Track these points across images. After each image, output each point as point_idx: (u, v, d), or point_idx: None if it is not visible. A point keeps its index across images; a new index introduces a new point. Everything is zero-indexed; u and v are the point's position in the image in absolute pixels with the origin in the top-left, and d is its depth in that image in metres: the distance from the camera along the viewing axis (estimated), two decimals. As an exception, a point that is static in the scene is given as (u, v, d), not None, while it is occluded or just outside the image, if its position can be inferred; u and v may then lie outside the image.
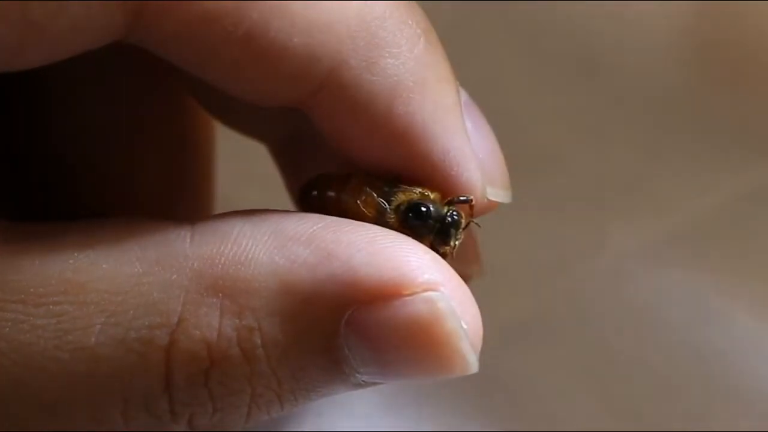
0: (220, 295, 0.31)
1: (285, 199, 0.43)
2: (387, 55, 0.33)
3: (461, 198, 0.34)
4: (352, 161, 0.35)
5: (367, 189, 0.34)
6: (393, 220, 0.34)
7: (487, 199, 0.36)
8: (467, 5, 0.51)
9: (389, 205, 0.34)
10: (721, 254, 0.52)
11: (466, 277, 0.34)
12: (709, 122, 0.53)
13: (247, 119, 0.41)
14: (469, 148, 0.35)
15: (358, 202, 0.34)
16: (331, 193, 0.35)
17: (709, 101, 0.53)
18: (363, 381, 0.32)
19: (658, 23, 0.52)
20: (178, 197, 0.42)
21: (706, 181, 0.53)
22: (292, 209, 0.41)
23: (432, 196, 0.34)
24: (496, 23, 0.53)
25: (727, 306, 0.50)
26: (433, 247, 0.34)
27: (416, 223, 0.34)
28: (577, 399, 0.50)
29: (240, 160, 0.46)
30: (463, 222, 0.34)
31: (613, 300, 0.51)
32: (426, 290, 0.31)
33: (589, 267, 0.51)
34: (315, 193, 0.36)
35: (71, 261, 0.32)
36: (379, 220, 0.34)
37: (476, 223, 0.35)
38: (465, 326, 0.32)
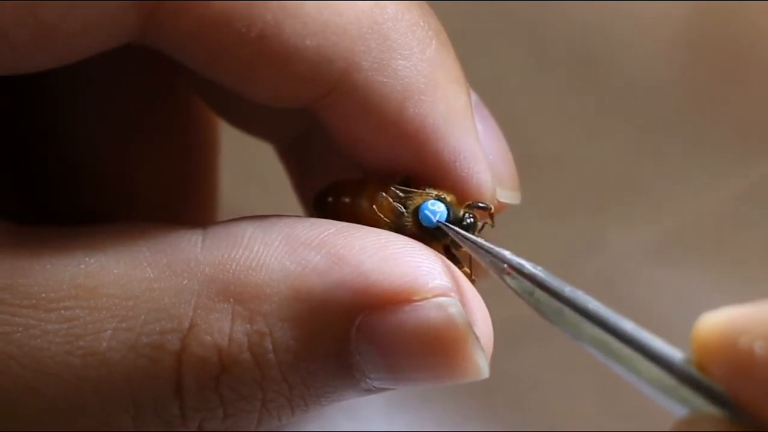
0: (232, 300, 0.31)
1: (288, 201, 0.42)
2: (399, 56, 0.33)
3: (480, 205, 0.34)
4: (361, 162, 0.35)
5: (383, 194, 0.34)
6: (410, 223, 0.34)
7: (498, 201, 0.36)
8: (468, 5, 0.51)
9: (406, 208, 0.34)
10: (720, 253, 0.52)
11: (471, 279, 0.34)
12: (709, 122, 0.53)
13: (255, 119, 0.41)
14: (479, 150, 0.35)
15: (375, 206, 0.34)
16: (347, 199, 0.35)
17: (708, 102, 0.53)
18: (374, 386, 0.32)
19: (658, 24, 0.52)
20: (182, 197, 0.42)
21: (705, 181, 0.53)
22: (297, 211, 0.41)
23: (448, 198, 0.34)
24: (497, 23, 0.53)
25: (726, 305, 0.50)
26: (448, 250, 0.34)
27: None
28: (577, 399, 0.50)
29: (243, 161, 0.46)
30: (480, 224, 0.34)
31: (613, 300, 0.51)
32: (437, 296, 0.31)
33: (589, 267, 0.51)
34: (330, 199, 0.36)
35: (82, 266, 0.31)
36: (396, 224, 0.34)
37: (491, 225, 0.35)
38: (476, 331, 0.32)
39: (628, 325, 0.29)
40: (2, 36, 0.30)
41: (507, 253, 0.32)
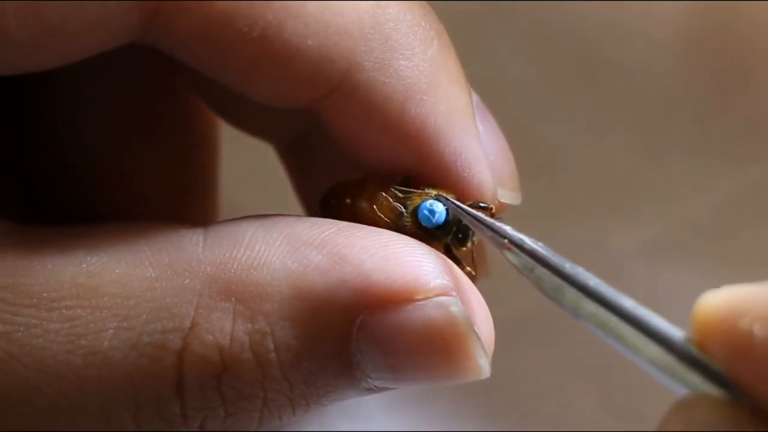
0: (233, 299, 0.31)
1: (288, 201, 0.42)
2: (400, 57, 0.33)
3: (482, 205, 0.34)
4: (362, 162, 0.35)
5: (383, 194, 0.34)
6: (410, 223, 0.34)
7: (498, 201, 0.36)
8: (468, 5, 0.51)
9: (406, 209, 0.34)
10: (721, 253, 0.52)
11: (472, 278, 0.34)
12: (709, 122, 0.53)
13: (256, 119, 0.41)
14: (480, 150, 0.35)
15: (375, 206, 0.34)
16: (348, 200, 0.35)
17: (708, 102, 0.53)
18: (374, 386, 0.32)
19: (658, 24, 0.52)
20: (183, 196, 0.42)
21: (706, 180, 0.53)
22: (297, 211, 0.41)
23: (448, 197, 0.34)
24: (497, 23, 0.53)
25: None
26: (449, 249, 0.34)
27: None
28: (577, 399, 0.50)
29: (243, 161, 0.46)
30: None
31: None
32: (438, 295, 0.31)
33: (589, 267, 0.51)
34: (333, 201, 0.36)
35: (84, 265, 0.31)
36: (396, 223, 0.34)
37: None
38: (477, 331, 0.32)
39: (628, 303, 0.29)
40: (3, 35, 0.30)
41: (508, 228, 0.32)
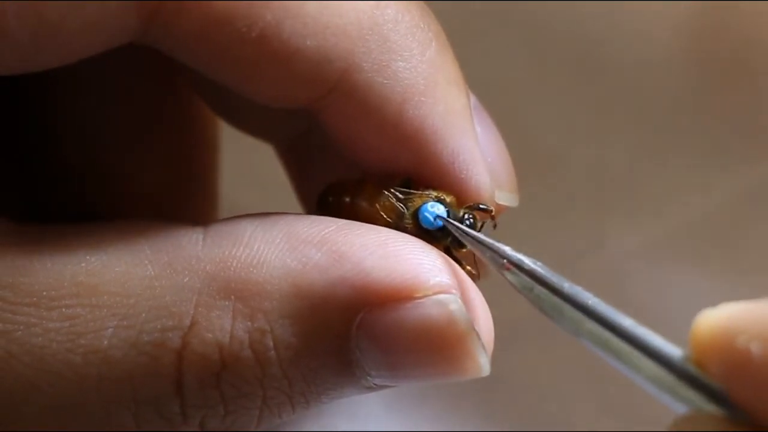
0: (233, 297, 0.31)
1: (288, 201, 0.42)
2: (399, 58, 0.33)
3: (482, 206, 0.35)
4: (360, 163, 0.35)
5: (386, 193, 0.34)
6: (410, 225, 0.34)
7: (496, 203, 0.36)
8: (468, 5, 0.51)
9: (407, 210, 0.34)
10: (721, 253, 0.52)
11: (472, 278, 0.34)
12: (709, 123, 0.53)
13: (255, 119, 0.41)
14: (478, 152, 0.35)
15: (377, 205, 0.34)
16: (347, 199, 0.35)
17: (708, 102, 0.53)
18: (374, 384, 0.32)
19: (659, 24, 0.52)
20: (183, 196, 0.42)
21: (706, 181, 0.53)
22: (298, 211, 0.41)
23: (448, 200, 0.34)
24: (497, 23, 0.53)
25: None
26: (448, 251, 0.34)
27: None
28: (577, 399, 0.50)
29: (243, 161, 0.46)
30: (479, 225, 0.34)
31: (613, 299, 0.51)
32: (438, 293, 0.31)
33: (589, 266, 0.51)
34: (331, 199, 0.36)
35: (83, 264, 0.31)
36: (397, 224, 0.34)
37: (493, 226, 0.35)
38: (477, 329, 0.32)
39: (627, 322, 0.29)
40: (4, 35, 0.30)
41: (507, 249, 0.32)
